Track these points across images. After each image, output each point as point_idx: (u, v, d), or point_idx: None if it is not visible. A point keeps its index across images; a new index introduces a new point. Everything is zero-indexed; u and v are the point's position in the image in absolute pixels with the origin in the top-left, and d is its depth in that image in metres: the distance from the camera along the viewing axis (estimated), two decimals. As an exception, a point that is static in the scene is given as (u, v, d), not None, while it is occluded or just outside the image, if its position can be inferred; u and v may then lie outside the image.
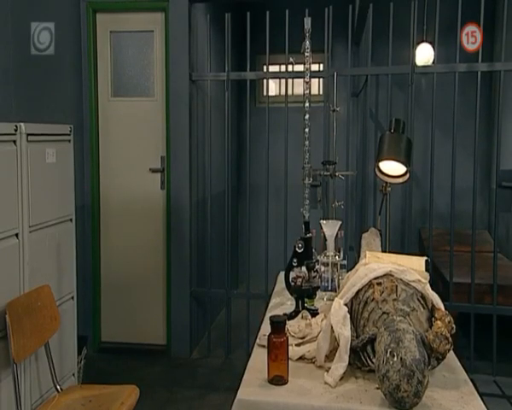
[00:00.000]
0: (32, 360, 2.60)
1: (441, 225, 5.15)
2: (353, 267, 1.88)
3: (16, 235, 2.50)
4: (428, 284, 1.69)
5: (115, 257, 4.31)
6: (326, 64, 3.99)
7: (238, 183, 5.88)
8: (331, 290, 2.26)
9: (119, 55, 4.23)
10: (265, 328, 1.89)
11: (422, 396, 1.39)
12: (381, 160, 2.41)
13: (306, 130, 2.21)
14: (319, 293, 2.20)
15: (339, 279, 2.26)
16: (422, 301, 1.65)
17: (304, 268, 2.13)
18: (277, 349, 1.56)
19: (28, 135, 2.56)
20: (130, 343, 4.33)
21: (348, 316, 1.62)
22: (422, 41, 4.97)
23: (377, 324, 1.58)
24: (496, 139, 3.86)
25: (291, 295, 2.13)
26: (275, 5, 4.16)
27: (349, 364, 1.58)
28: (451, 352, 1.69)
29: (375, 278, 1.69)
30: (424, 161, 5.22)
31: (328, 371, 1.59)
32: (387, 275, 1.69)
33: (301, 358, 1.72)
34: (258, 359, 1.71)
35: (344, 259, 2.35)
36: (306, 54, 2.19)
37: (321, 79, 5.57)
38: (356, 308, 1.69)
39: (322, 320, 1.89)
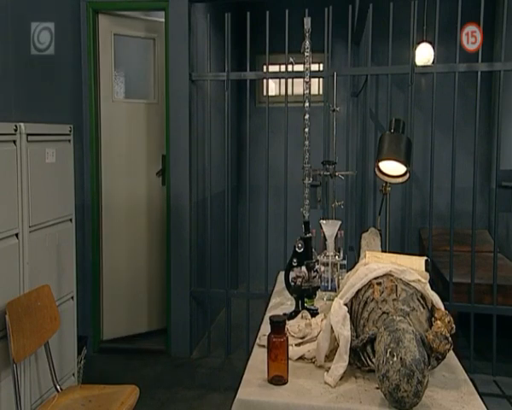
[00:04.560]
0: (31, 360, 2.60)
1: (441, 225, 5.15)
2: (353, 267, 1.88)
3: (16, 235, 2.50)
4: (428, 284, 1.69)
5: (115, 257, 4.32)
6: (326, 64, 3.98)
7: (238, 183, 5.88)
8: (331, 290, 2.26)
9: (119, 55, 4.24)
10: (265, 328, 1.89)
11: (422, 396, 1.39)
12: (381, 160, 2.41)
13: (306, 130, 2.21)
14: (319, 293, 2.20)
15: (339, 279, 2.26)
16: (422, 301, 1.65)
17: (304, 268, 2.12)
18: (277, 349, 1.56)
19: (28, 135, 2.56)
20: (130, 343, 4.34)
21: (348, 316, 1.62)
22: (422, 41, 4.98)
23: (377, 324, 1.58)
24: (496, 139, 3.86)
25: (291, 295, 2.13)
26: (275, 5, 4.16)
27: (349, 364, 1.58)
28: (451, 352, 1.69)
29: (375, 278, 1.69)
30: (424, 160, 5.22)
31: (328, 371, 1.59)
32: (387, 275, 1.69)
33: (301, 358, 1.72)
34: (258, 359, 1.71)
35: (344, 259, 2.35)
36: (306, 54, 2.19)
37: (321, 79, 5.58)
38: (356, 308, 1.69)
39: (322, 320, 1.89)
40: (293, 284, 2.11)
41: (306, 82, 2.20)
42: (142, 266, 4.50)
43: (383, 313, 1.60)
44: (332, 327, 1.60)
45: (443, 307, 1.65)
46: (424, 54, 4.88)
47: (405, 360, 1.36)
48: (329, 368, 1.58)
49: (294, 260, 2.12)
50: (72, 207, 3.04)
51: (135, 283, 4.39)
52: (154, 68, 4.43)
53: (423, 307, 1.64)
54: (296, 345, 1.78)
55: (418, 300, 1.64)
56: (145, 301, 4.47)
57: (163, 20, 4.23)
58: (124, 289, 4.34)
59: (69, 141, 3.00)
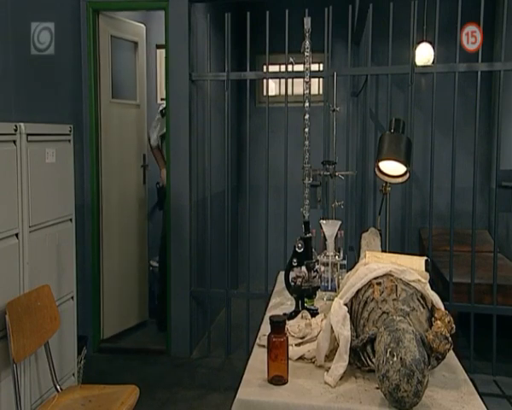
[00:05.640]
0: (31, 360, 2.60)
1: (441, 225, 5.15)
2: (353, 267, 1.88)
3: (16, 235, 2.50)
4: (428, 284, 1.69)
5: (115, 257, 4.32)
6: (326, 64, 3.99)
7: (238, 183, 5.88)
8: (331, 290, 2.26)
9: (119, 56, 4.26)
10: (265, 328, 1.89)
11: (422, 396, 1.39)
12: (381, 160, 2.41)
13: (306, 130, 2.21)
14: (319, 293, 2.20)
15: (339, 279, 2.26)
16: (422, 301, 1.65)
17: (304, 268, 2.12)
18: (277, 349, 1.56)
19: (28, 135, 2.56)
20: (130, 343, 4.34)
21: (348, 316, 1.62)
22: (422, 41, 4.97)
23: (377, 324, 1.58)
24: (496, 139, 3.86)
25: (291, 295, 2.13)
26: (275, 5, 4.16)
27: (349, 364, 1.58)
28: (451, 352, 1.69)
29: (375, 278, 1.69)
30: (424, 161, 5.22)
31: (328, 370, 1.59)
32: (387, 275, 1.69)
33: (301, 358, 1.72)
34: (258, 359, 1.71)
35: (344, 259, 2.35)
36: (306, 54, 2.19)
37: (321, 79, 5.57)
38: (356, 308, 1.69)
39: (322, 320, 1.89)
40: (293, 284, 2.11)
41: (306, 82, 2.20)
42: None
43: (383, 313, 1.60)
44: (332, 327, 1.60)
45: (443, 307, 1.65)
46: (424, 54, 4.87)
47: (405, 360, 1.36)
48: (329, 368, 1.58)
49: (294, 260, 2.12)
50: (72, 208, 3.04)
51: (127, 278, 4.43)
52: (135, 71, 4.52)
53: (423, 307, 1.64)
54: (296, 345, 1.78)
55: (418, 300, 1.64)
56: (136, 295, 4.53)
57: (143, 25, 4.34)
58: (119, 286, 4.36)
59: (69, 141, 3.00)
